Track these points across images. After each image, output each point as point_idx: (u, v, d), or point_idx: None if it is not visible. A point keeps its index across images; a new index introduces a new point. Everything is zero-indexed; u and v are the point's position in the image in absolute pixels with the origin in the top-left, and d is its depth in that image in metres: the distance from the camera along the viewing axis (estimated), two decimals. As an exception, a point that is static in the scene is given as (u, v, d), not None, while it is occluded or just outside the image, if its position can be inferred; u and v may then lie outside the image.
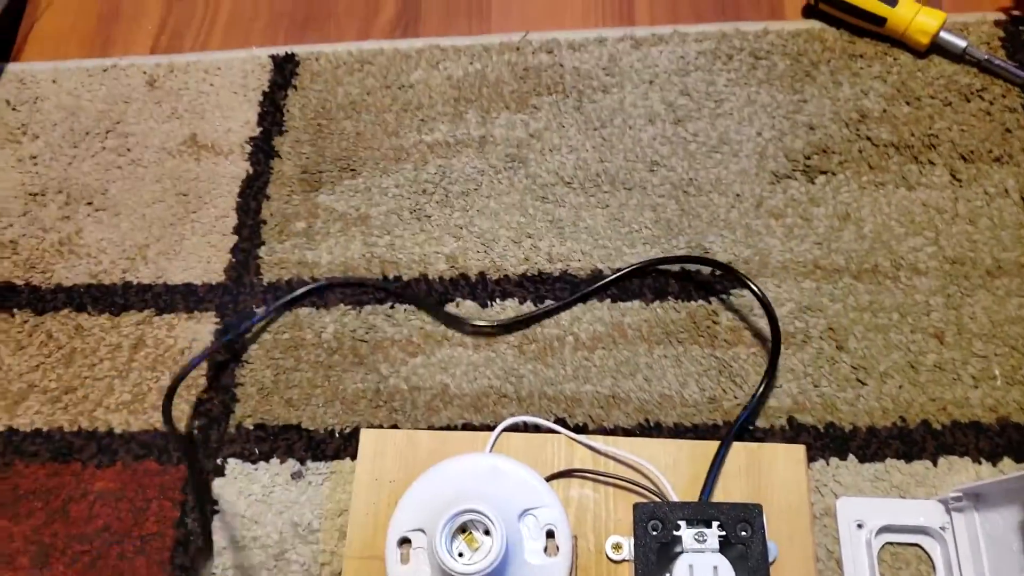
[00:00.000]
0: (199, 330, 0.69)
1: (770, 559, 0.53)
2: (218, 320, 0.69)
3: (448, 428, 0.63)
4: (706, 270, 0.66)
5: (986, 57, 0.71)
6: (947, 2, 0.76)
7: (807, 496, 0.56)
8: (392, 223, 0.71)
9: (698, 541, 0.52)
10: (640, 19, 0.78)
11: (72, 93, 0.80)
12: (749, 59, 0.74)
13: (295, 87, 0.78)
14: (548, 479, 0.58)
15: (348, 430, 0.64)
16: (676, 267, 0.66)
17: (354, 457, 0.61)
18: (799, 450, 0.58)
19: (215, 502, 0.63)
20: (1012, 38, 0.73)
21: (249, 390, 0.66)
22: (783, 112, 0.72)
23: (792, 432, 0.60)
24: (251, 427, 0.65)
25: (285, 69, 0.79)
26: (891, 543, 0.57)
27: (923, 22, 0.71)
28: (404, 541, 0.55)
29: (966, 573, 0.55)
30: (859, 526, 0.57)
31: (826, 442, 0.60)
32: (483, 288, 0.68)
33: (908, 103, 0.71)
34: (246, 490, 0.63)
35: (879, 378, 0.62)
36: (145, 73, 0.81)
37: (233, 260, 0.71)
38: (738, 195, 0.69)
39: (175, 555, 0.61)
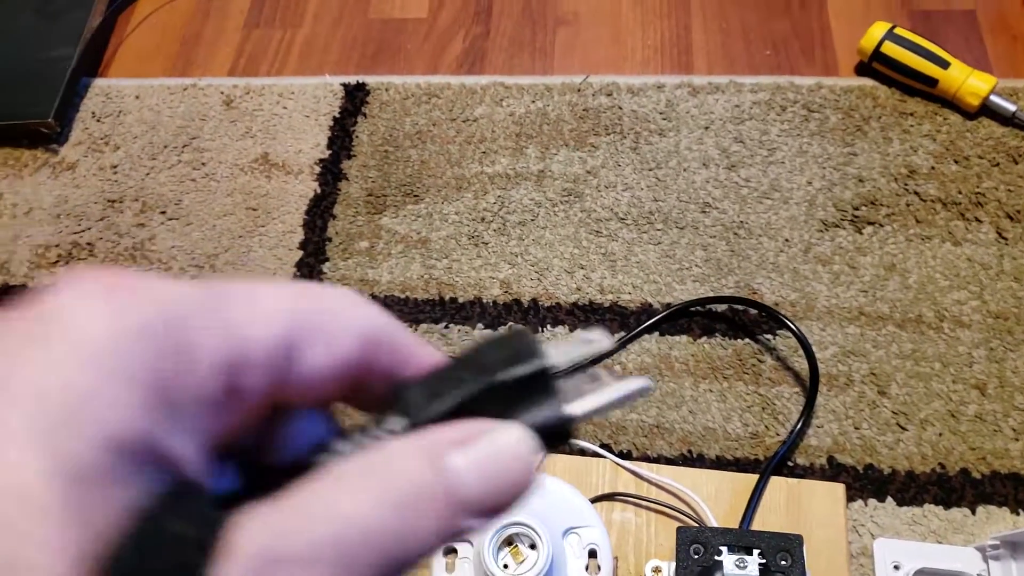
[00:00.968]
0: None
1: (807, 591, 0.55)
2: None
3: (496, 446, 0.66)
4: (753, 310, 0.69)
5: (1035, 122, 0.74)
6: (998, 67, 0.79)
7: (844, 534, 0.58)
8: (450, 247, 0.75)
9: (738, 567, 0.54)
10: (698, 68, 0.82)
11: (153, 109, 0.86)
12: (802, 111, 0.78)
13: (364, 115, 0.83)
14: (592, 501, 0.60)
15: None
16: (724, 306, 0.69)
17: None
18: (838, 488, 0.60)
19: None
20: (1061, 105, 0.76)
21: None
22: (833, 164, 0.75)
23: (832, 471, 0.63)
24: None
25: (356, 97, 0.84)
26: (926, 586, 0.59)
27: (974, 85, 0.74)
28: (450, 551, 0.57)
29: (1000, 619, 0.56)
30: (896, 568, 0.59)
31: (865, 483, 0.62)
32: (535, 314, 0.71)
33: (956, 161, 0.74)
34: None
35: (919, 424, 0.64)
36: (223, 93, 0.86)
37: (297, 274, 0.75)
38: (787, 240, 0.72)
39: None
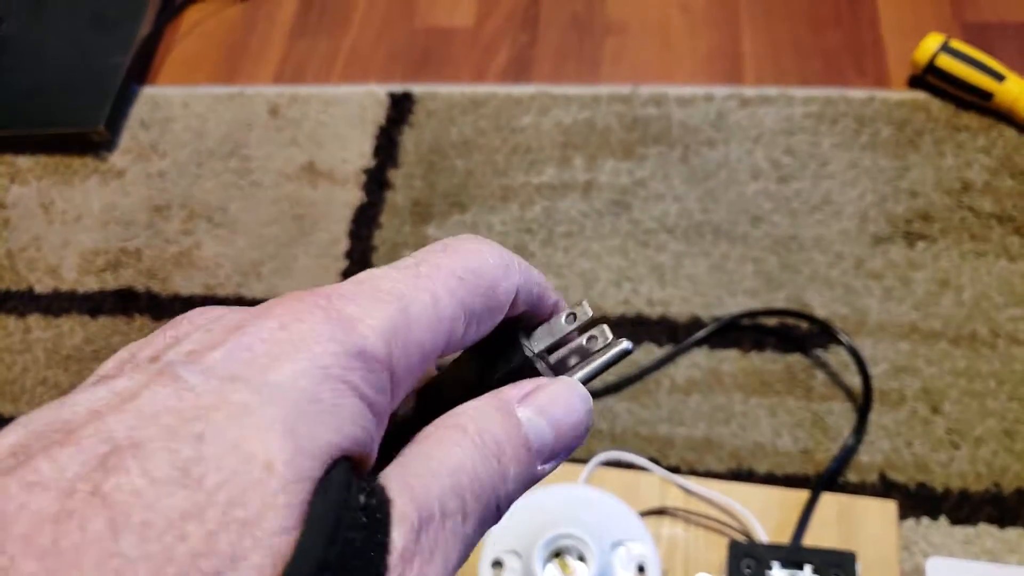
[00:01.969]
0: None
1: (860, 609, 0.56)
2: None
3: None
4: (804, 324, 0.70)
5: (1093, 136, 0.74)
6: (1055, 81, 0.80)
7: (897, 552, 0.59)
8: (497, 258, 0.76)
9: (791, 583, 0.55)
10: (747, 79, 0.84)
11: (200, 116, 0.88)
12: (854, 124, 0.79)
13: (410, 124, 0.85)
14: (640, 515, 0.61)
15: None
16: (774, 320, 0.70)
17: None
18: (891, 505, 0.61)
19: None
20: (1120, 120, 0.76)
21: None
22: (885, 177, 0.76)
23: (883, 488, 0.63)
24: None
25: (402, 106, 0.86)
26: (981, 607, 0.60)
27: (1030, 99, 0.75)
28: (497, 563, 0.59)
29: (1057, 642, 0.57)
30: (949, 587, 0.60)
31: (917, 501, 0.63)
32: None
33: (1012, 176, 0.75)
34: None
35: (973, 443, 0.64)
36: (268, 102, 0.89)
37: (344, 282, 0.77)
38: (838, 254, 0.73)
39: None
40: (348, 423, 0.17)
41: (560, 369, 0.23)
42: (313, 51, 0.93)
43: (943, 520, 0.62)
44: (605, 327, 0.23)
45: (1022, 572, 0.60)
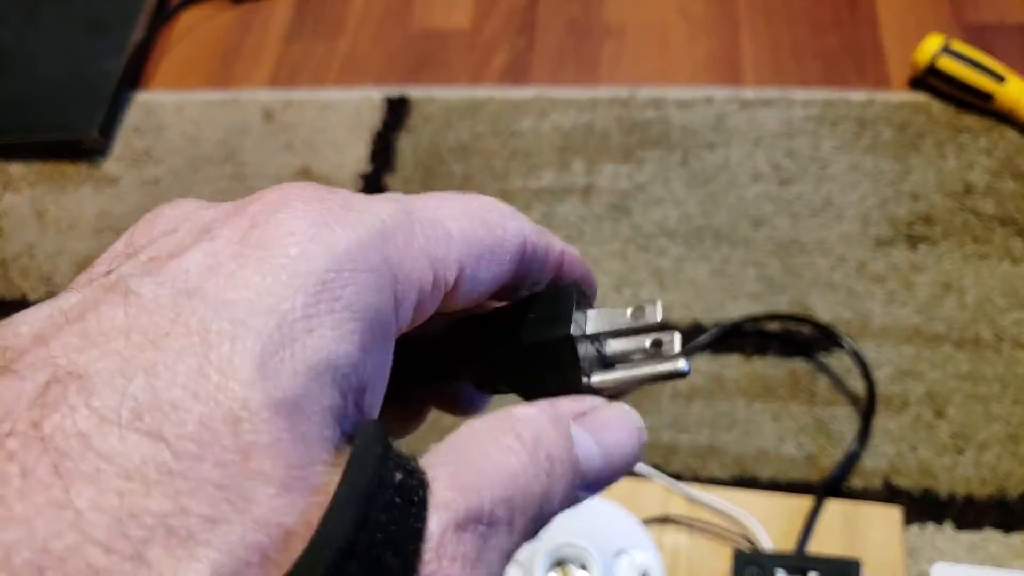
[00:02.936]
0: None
1: (865, 616, 0.56)
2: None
3: (544, 466, 0.68)
4: (807, 329, 0.70)
5: (1095, 137, 0.75)
6: (1056, 81, 0.81)
7: (902, 558, 0.60)
8: (496, 264, 0.77)
9: (795, 591, 0.56)
10: (747, 81, 0.84)
11: (194, 122, 0.89)
12: (854, 126, 0.79)
13: (407, 128, 0.85)
14: (643, 523, 0.62)
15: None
16: (777, 324, 0.71)
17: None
18: (896, 512, 0.61)
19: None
20: (1122, 120, 0.77)
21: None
22: (887, 180, 0.76)
23: (888, 494, 0.64)
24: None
25: (398, 110, 0.86)
26: (987, 613, 0.60)
27: (1032, 100, 0.76)
28: (500, 571, 0.59)
29: (1064, 648, 0.57)
30: (954, 593, 0.60)
31: (922, 506, 0.63)
32: (583, 332, 0.73)
33: (1014, 178, 0.75)
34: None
35: (978, 447, 0.65)
36: (263, 107, 0.89)
37: (342, 289, 0.77)
38: (840, 257, 0.73)
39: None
40: (334, 343, 0.15)
41: (605, 362, 0.22)
42: (308, 55, 0.94)
43: (948, 526, 0.63)
44: (676, 336, 0.21)
45: (1028, 577, 0.60)
